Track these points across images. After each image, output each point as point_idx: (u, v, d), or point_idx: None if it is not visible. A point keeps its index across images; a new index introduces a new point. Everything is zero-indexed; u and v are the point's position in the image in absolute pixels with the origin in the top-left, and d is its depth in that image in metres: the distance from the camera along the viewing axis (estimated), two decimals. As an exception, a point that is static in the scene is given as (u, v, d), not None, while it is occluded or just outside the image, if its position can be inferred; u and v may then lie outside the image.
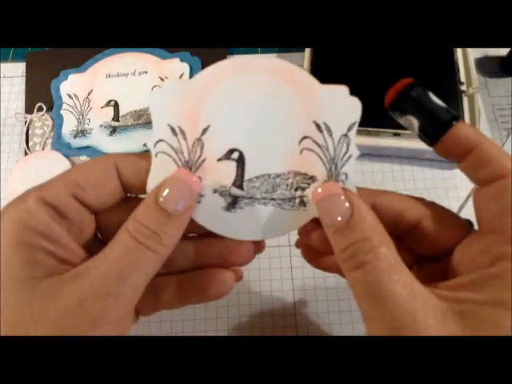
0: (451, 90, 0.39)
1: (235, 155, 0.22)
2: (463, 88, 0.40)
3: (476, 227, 0.21)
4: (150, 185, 0.21)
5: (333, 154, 0.22)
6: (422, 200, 0.22)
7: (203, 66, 0.44)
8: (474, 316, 0.17)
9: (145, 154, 0.22)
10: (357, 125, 0.21)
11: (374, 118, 0.38)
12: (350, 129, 0.21)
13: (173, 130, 0.21)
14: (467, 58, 0.41)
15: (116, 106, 0.41)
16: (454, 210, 0.37)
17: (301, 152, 0.22)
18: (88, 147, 0.40)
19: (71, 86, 0.43)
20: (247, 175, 0.22)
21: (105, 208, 0.22)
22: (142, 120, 0.41)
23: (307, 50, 0.42)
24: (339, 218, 0.19)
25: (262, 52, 0.46)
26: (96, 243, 0.23)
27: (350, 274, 0.19)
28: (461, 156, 0.20)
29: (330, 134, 0.21)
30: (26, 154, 0.40)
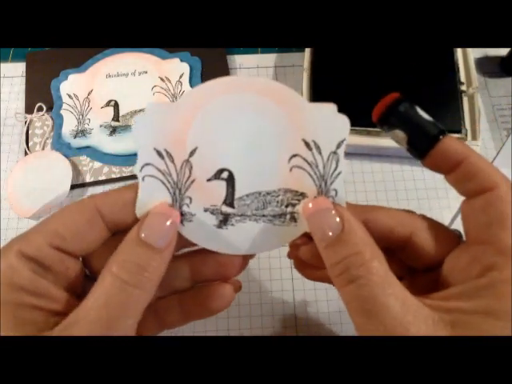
0: (451, 90, 0.39)
1: (225, 175, 0.22)
2: (463, 88, 0.40)
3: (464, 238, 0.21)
4: (139, 209, 0.21)
5: (322, 171, 0.22)
6: (412, 214, 0.23)
7: (203, 66, 0.44)
8: (464, 326, 0.18)
9: (125, 187, 0.22)
10: (346, 142, 0.21)
11: (374, 118, 0.38)
12: (338, 146, 0.22)
13: (159, 153, 0.21)
14: (467, 57, 0.41)
15: (116, 106, 0.41)
16: (454, 210, 0.37)
17: (290, 170, 0.22)
18: (88, 147, 0.40)
19: (71, 86, 0.43)
20: (238, 193, 0.22)
21: (91, 251, 0.22)
22: (142, 120, 0.41)
23: (307, 50, 0.42)
24: (330, 233, 0.20)
25: (262, 52, 0.46)
26: (87, 283, 0.22)
27: (343, 289, 0.19)
28: (449, 169, 0.20)
29: (320, 152, 0.22)
30: (26, 154, 0.40)
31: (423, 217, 0.23)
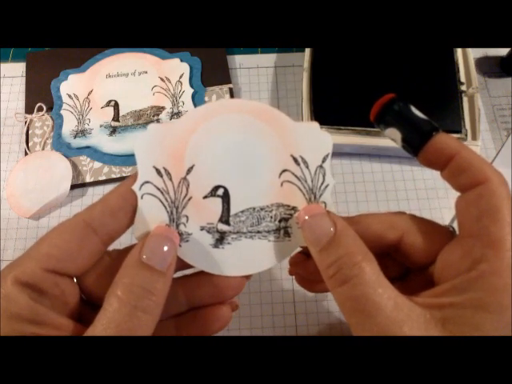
0: (451, 90, 0.39)
1: (220, 192, 0.23)
2: (463, 88, 0.40)
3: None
4: (137, 229, 0.22)
5: (311, 185, 0.23)
6: (401, 215, 0.23)
7: (203, 66, 0.44)
8: (455, 321, 0.18)
9: (108, 195, 0.22)
10: (330, 156, 0.23)
11: (374, 118, 0.38)
12: (324, 160, 0.23)
13: (158, 171, 0.22)
14: (467, 58, 0.41)
15: (116, 105, 0.41)
16: (454, 210, 0.37)
17: (281, 184, 0.23)
18: (88, 147, 0.40)
19: (71, 86, 0.43)
20: (233, 210, 0.23)
21: (87, 269, 0.21)
22: (142, 120, 0.41)
23: (307, 50, 0.42)
24: (323, 237, 0.20)
25: (262, 52, 0.46)
26: (83, 307, 0.22)
27: (337, 290, 0.20)
28: (442, 165, 0.21)
29: (307, 166, 0.23)
30: (26, 154, 0.40)
31: (413, 217, 0.23)
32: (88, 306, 0.22)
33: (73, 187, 0.39)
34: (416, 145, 0.21)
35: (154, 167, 0.22)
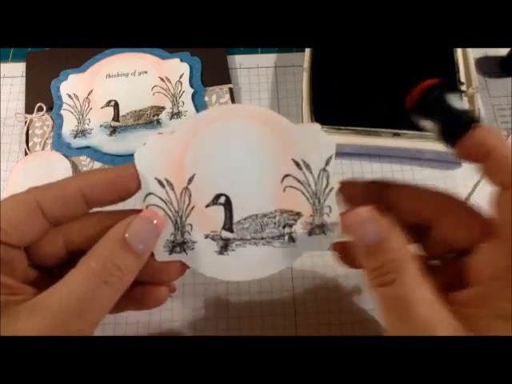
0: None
1: (222, 200, 0.23)
2: (463, 88, 0.40)
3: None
4: None
5: (314, 189, 0.23)
6: (441, 195, 0.23)
7: (203, 66, 0.44)
8: (482, 332, 0.18)
9: (66, 180, 0.22)
10: (333, 158, 0.23)
11: (374, 118, 0.38)
12: (327, 163, 0.23)
13: (160, 182, 0.22)
14: (467, 57, 0.41)
15: (116, 105, 0.41)
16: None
17: (284, 190, 0.23)
18: (88, 147, 0.40)
19: (71, 86, 0.43)
20: (236, 217, 0.23)
21: (33, 242, 0.22)
22: (142, 120, 0.41)
23: (307, 50, 0.42)
24: (371, 242, 0.20)
25: (262, 52, 0.46)
26: (29, 269, 0.23)
27: (378, 289, 0.20)
28: (480, 159, 0.20)
29: (310, 170, 0.23)
30: (26, 154, 0.40)
31: (453, 200, 0.22)
32: (34, 270, 0.23)
33: (73, 187, 0.39)
34: (453, 137, 0.20)
35: (156, 179, 0.22)
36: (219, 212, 0.23)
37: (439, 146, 0.38)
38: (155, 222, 0.21)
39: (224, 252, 0.23)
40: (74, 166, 0.39)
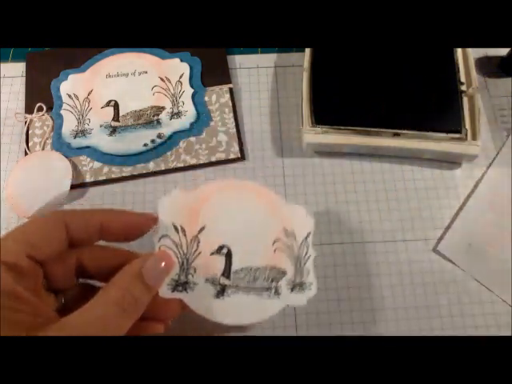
0: (451, 90, 0.39)
1: (224, 251, 0.27)
2: (463, 88, 0.40)
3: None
4: None
5: (297, 254, 0.28)
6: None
7: (203, 66, 0.44)
8: None
9: (95, 211, 0.26)
10: (312, 234, 0.29)
11: (374, 118, 0.38)
12: (307, 236, 0.29)
13: (175, 227, 0.26)
14: (467, 58, 0.41)
15: (116, 105, 0.41)
16: (454, 210, 0.37)
17: (274, 251, 0.27)
18: (88, 147, 0.40)
19: (71, 86, 0.43)
20: (234, 267, 0.27)
21: (49, 260, 0.24)
22: (142, 120, 0.41)
23: (307, 50, 0.42)
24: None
25: (262, 52, 0.46)
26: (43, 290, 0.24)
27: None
28: None
29: (295, 238, 0.28)
30: (26, 154, 0.40)
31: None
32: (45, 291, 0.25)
33: (73, 187, 0.39)
34: None
35: (173, 224, 0.26)
36: (221, 261, 0.26)
37: (439, 146, 0.38)
38: (167, 262, 0.24)
39: (220, 296, 0.26)
40: (74, 166, 0.39)
